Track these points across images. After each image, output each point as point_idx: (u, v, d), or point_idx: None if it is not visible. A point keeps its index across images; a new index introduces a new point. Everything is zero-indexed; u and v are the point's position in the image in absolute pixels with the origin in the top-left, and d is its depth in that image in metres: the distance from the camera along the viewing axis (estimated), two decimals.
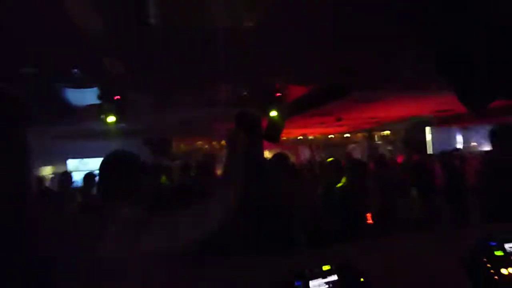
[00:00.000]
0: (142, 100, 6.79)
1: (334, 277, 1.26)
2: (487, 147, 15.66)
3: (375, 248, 1.51)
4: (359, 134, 18.20)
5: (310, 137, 17.09)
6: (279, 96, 6.66)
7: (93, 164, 10.31)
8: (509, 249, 1.51)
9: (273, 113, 7.00)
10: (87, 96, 6.02)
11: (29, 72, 4.12)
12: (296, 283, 1.20)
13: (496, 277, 1.44)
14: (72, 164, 11.32)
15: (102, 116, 6.01)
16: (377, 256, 1.41)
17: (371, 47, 4.05)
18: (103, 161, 1.64)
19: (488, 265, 1.46)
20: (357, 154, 16.49)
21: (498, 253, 1.49)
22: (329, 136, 17.76)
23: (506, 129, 3.20)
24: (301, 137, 16.41)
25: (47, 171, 12.39)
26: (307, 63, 4.99)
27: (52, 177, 10.17)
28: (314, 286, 1.23)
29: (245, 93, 6.61)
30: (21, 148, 1.43)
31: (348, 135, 17.92)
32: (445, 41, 2.18)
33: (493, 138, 3.25)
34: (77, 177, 10.56)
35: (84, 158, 11.13)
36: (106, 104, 5.91)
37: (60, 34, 3.13)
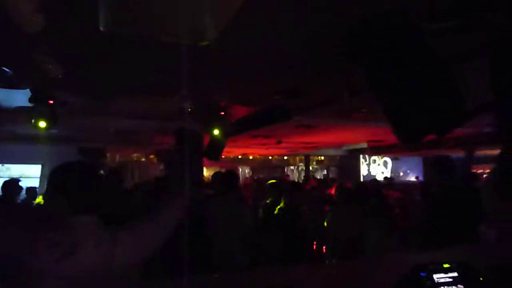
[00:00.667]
0: (77, 106, 6.46)
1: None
2: (413, 177, 16.87)
3: (311, 273, 1.53)
4: (297, 158, 18.74)
5: (250, 157, 17.26)
6: (223, 114, 6.68)
7: (16, 170, 9.54)
8: (437, 279, 1.60)
9: (216, 131, 6.99)
10: (18, 98, 5.62)
11: None
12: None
13: None
14: None
15: (33, 120, 5.61)
16: (313, 281, 1.43)
17: (314, 71, 4.21)
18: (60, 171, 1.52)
19: None
20: (294, 177, 16.92)
21: (427, 283, 1.57)
22: (269, 157, 18.08)
23: (442, 161, 3.44)
24: (240, 157, 16.52)
25: None
26: (253, 85, 5.07)
27: None
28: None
29: (190, 108, 6.53)
30: None
31: (286, 157, 18.37)
32: (385, 73, 2.32)
33: (432, 169, 3.48)
34: None
35: (6, 164, 10.24)
36: (38, 108, 5.53)
37: None
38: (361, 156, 16.23)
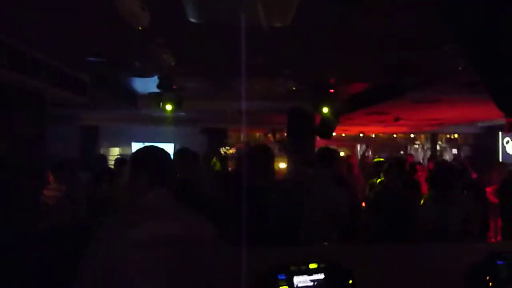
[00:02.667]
0: (199, 91, 7.07)
1: (320, 276, 1.30)
2: None
3: (373, 254, 1.51)
4: (422, 136, 17.36)
5: (373, 135, 16.61)
6: (332, 92, 6.59)
7: None
8: None
9: (325, 109, 6.95)
10: (148, 85, 6.41)
11: (95, 61, 4.49)
12: (279, 276, 1.24)
13: None
14: (136, 147, 12.10)
15: (161, 104, 6.36)
16: (375, 263, 1.42)
17: (424, 44, 3.90)
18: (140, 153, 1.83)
19: (491, 284, 1.41)
20: (418, 157, 15.77)
21: (503, 272, 1.42)
22: (393, 136, 17.16)
23: None
24: (361, 135, 16.01)
25: (114, 152, 13.35)
26: (362, 60, 4.90)
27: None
28: (299, 282, 1.27)
29: (299, 87, 6.62)
30: None
31: (412, 135, 17.17)
32: (485, 45, 2.08)
33: None
34: None
35: (146, 142, 11.82)
36: (165, 93, 6.24)
37: (121, 29, 3.40)
38: (500, 133, 14.27)
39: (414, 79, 5.49)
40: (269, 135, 14.03)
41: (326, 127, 7.98)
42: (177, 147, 11.58)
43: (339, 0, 3.02)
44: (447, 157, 15.42)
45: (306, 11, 3.07)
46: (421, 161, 14.53)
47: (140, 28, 2.59)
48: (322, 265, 1.31)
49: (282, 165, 12.43)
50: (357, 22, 3.43)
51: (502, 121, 11.51)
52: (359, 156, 15.02)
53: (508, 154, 14.42)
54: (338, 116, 7.87)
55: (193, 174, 3.68)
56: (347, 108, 7.46)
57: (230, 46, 4.14)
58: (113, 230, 1.57)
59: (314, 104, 7.14)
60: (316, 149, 3.87)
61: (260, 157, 2.86)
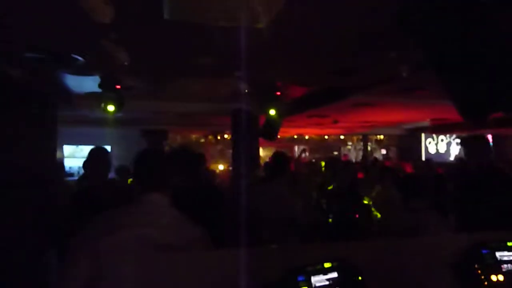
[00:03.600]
0: (141, 91, 6.81)
1: (334, 274, 1.32)
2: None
3: (366, 250, 1.57)
4: (354, 137, 18.36)
5: (306, 137, 17.19)
6: (279, 95, 6.71)
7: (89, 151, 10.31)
8: (500, 257, 1.58)
9: (272, 112, 7.06)
10: (87, 84, 6.04)
11: (33, 57, 4.13)
12: (299, 278, 1.25)
13: (486, 282, 1.51)
14: (68, 150, 11.28)
15: (102, 105, 6.03)
16: (370, 257, 1.47)
17: (371, 48, 4.11)
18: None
19: (479, 272, 1.53)
20: (352, 157, 16.63)
21: (489, 260, 1.56)
22: (325, 137, 17.89)
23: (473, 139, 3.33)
24: (296, 137, 16.51)
25: None
26: (309, 64, 5.04)
27: None
28: (316, 282, 1.28)
29: (246, 89, 6.65)
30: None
31: (342, 137, 18.06)
32: (447, 49, 2.24)
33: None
34: (72, 164, 10.54)
35: (80, 145, 11.11)
36: (106, 93, 5.93)
37: (66, 21, 3.16)
38: (423, 135, 15.54)
39: (357, 83, 5.79)
40: (210, 136, 13.94)
41: (270, 129, 8.11)
42: (115, 150, 11.08)
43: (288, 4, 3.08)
44: (378, 156, 16.44)
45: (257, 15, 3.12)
46: (354, 160, 15.32)
47: (102, 22, 2.44)
48: (335, 264, 1.33)
49: (221, 166, 12.42)
50: (304, 26, 3.53)
51: (425, 123, 12.53)
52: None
53: (430, 153, 15.77)
54: (282, 118, 8.05)
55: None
56: (292, 111, 7.66)
57: (181, 45, 4.08)
58: (90, 235, 1.56)
59: (259, 106, 7.22)
60: (273, 153, 3.93)
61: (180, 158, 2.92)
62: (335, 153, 18.09)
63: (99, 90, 5.86)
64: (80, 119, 9.36)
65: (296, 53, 4.45)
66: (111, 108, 6.12)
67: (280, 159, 3.70)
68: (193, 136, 15.91)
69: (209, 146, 14.72)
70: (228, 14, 2.03)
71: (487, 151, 3.32)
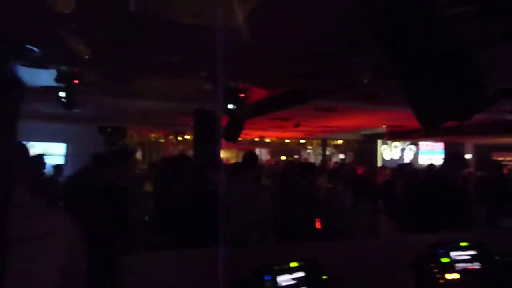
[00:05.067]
0: (100, 87, 6.59)
1: (301, 274, 1.33)
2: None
3: (329, 250, 1.60)
4: (314, 141, 18.71)
5: (267, 140, 17.32)
6: (242, 96, 6.71)
7: (41, 148, 9.82)
8: (454, 256, 1.67)
9: (234, 113, 7.05)
10: (43, 77, 5.76)
11: None
12: (265, 277, 1.25)
13: (441, 281, 1.59)
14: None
15: (60, 99, 5.80)
16: (330, 258, 1.50)
17: (335, 53, 4.21)
18: None
19: (435, 270, 1.60)
20: (311, 161, 16.92)
21: (445, 260, 1.64)
22: (286, 141, 18.10)
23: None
24: (257, 139, 16.60)
25: None
26: (271, 67, 5.09)
27: None
28: (282, 281, 1.29)
29: (210, 89, 6.60)
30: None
31: (303, 141, 18.36)
32: (407, 58, 2.33)
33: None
34: None
35: (31, 142, 10.55)
36: (64, 87, 5.70)
37: (23, 8, 3.00)
38: (379, 141, 16.11)
39: (320, 88, 5.91)
40: (171, 136, 13.70)
41: (233, 130, 8.11)
42: (71, 147, 10.63)
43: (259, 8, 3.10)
44: (335, 160, 16.84)
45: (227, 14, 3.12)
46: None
47: (65, 12, 2.34)
48: (301, 263, 1.34)
49: None
50: (272, 30, 3.58)
51: (382, 129, 13.00)
52: None
53: (385, 159, 16.38)
54: (244, 120, 8.06)
55: None
56: (254, 113, 7.69)
57: (146, 41, 3.99)
58: None
59: (222, 107, 7.18)
60: (244, 153, 4.02)
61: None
62: (296, 156, 18.35)
63: (55, 84, 5.61)
64: (33, 114, 8.91)
65: (261, 55, 4.48)
66: (68, 103, 5.90)
67: (251, 156, 3.84)
68: (153, 136, 15.57)
69: (169, 146, 14.46)
70: (197, 11, 2.01)
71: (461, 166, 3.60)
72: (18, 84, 0.99)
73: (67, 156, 10.61)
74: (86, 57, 3.46)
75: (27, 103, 7.56)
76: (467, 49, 2.36)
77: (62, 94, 5.80)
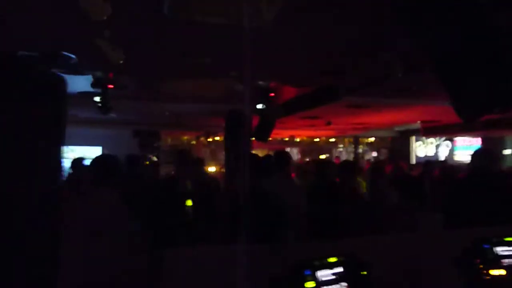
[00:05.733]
0: (134, 91, 6.77)
1: (340, 269, 1.32)
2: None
3: (372, 244, 1.58)
4: (346, 140, 18.44)
5: (297, 139, 17.22)
6: (272, 96, 6.72)
7: (80, 151, 10.19)
8: (500, 252, 1.60)
9: (265, 113, 7.07)
10: (80, 83, 5.98)
11: (26, 56, 4.08)
12: (305, 272, 1.25)
13: (486, 276, 1.53)
14: None
15: (96, 104, 6.00)
16: (374, 252, 1.48)
17: (362, 49, 4.14)
18: None
19: (481, 266, 1.55)
20: (343, 159, 16.69)
21: (490, 255, 1.58)
22: (315, 140, 17.95)
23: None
24: (287, 139, 16.53)
25: None
26: (301, 65, 5.06)
27: None
28: (322, 276, 1.28)
29: (240, 90, 6.64)
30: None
31: (333, 139, 18.13)
32: (444, 47, 2.26)
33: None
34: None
35: (70, 146, 10.97)
36: (100, 93, 5.89)
37: (60, 18, 3.13)
38: (413, 137, 15.68)
39: (350, 84, 5.82)
40: (202, 138, 13.88)
41: (263, 130, 8.12)
42: (106, 150, 10.97)
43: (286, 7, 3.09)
44: (367, 158, 16.55)
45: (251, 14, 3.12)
46: None
47: (97, 20, 2.42)
48: (340, 259, 1.34)
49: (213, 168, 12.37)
50: (298, 26, 3.55)
51: (416, 125, 12.65)
52: None
53: (418, 156, 15.93)
54: (275, 119, 8.06)
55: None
56: (285, 112, 7.67)
57: (176, 45, 4.06)
58: None
59: (253, 108, 7.21)
60: (273, 152, 4.01)
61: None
62: (327, 155, 18.16)
63: (91, 89, 5.82)
64: (71, 119, 9.27)
65: (288, 53, 4.46)
66: (103, 108, 6.09)
67: (282, 155, 3.82)
68: (184, 138, 15.82)
69: (201, 147, 14.65)
70: (224, 11, 2.03)
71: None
72: (62, 81, 1.04)
73: None
74: (121, 62, 3.56)
75: (71, 110, 7.88)
76: (506, 37, 2.26)
77: (97, 99, 5.99)
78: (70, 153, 10.52)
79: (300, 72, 5.49)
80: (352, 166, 4.58)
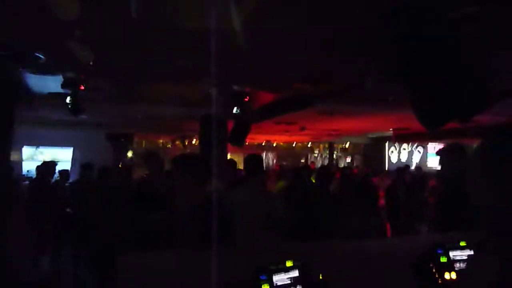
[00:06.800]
0: (106, 93, 6.65)
1: (296, 273, 1.34)
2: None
3: (329, 249, 1.60)
4: (321, 145, 18.66)
5: (274, 144, 17.31)
6: (247, 101, 6.73)
7: (50, 153, 9.94)
8: (453, 256, 1.66)
9: (239, 118, 7.07)
10: (50, 84, 5.84)
11: None
12: (261, 277, 1.25)
13: (440, 280, 1.58)
14: (27, 152, 10.78)
15: (66, 105, 5.86)
16: (331, 257, 1.50)
17: (336, 56, 4.21)
18: None
19: (434, 270, 1.59)
20: (318, 165, 16.89)
21: (443, 259, 1.63)
22: (293, 145, 18.07)
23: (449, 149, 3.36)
24: (264, 143, 16.59)
25: None
26: (277, 71, 5.10)
27: None
28: (277, 280, 1.29)
29: (215, 94, 6.62)
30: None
31: (309, 145, 18.32)
32: (410, 58, 2.33)
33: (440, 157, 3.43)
34: (31, 166, 10.17)
35: (40, 147, 10.67)
36: (70, 94, 5.76)
37: (29, 17, 3.05)
38: (387, 143, 16.01)
39: (325, 91, 5.90)
40: (178, 142, 13.76)
41: (238, 135, 8.13)
42: (77, 152, 10.73)
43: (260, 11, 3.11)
44: (342, 164, 16.79)
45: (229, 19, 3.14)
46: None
47: (67, 20, 2.38)
48: (296, 263, 1.35)
49: None
50: (274, 32, 3.58)
51: (389, 132, 12.93)
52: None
53: (392, 163, 16.27)
54: (250, 124, 8.08)
55: None
56: (260, 117, 7.70)
57: (150, 47, 4.02)
58: None
59: (228, 112, 7.21)
60: (244, 157, 3.88)
61: None
62: (302, 160, 18.31)
63: (62, 90, 5.68)
64: (41, 120, 9.02)
65: (265, 59, 4.50)
66: (73, 109, 5.96)
67: (254, 160, 3.69)
68: (160, 141, 15.65)
69: (176, 151, 14.51)
70: (196, 15, 2.04)
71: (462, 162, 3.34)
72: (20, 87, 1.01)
73: (72, 160, 10.71)
74: (91, 63, 3.50)
75: (36, 110, 7.67)
76: (468, 50, 2.36)
77: (68, 100, 5.86)
78: (39, 155, 10.25)
79: (274, 78, 5.53)
80: (328, 171, 4.69)
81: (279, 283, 1.29)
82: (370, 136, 15.08)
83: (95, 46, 3.57)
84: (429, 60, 2.21)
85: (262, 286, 1.24)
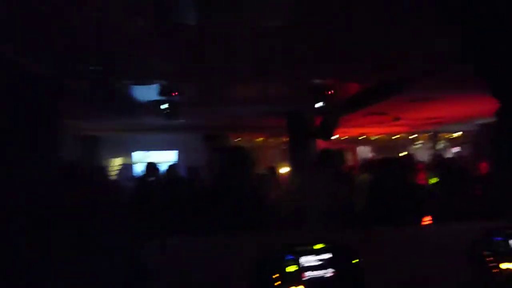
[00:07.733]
0: (197, 97, 7.12)
1: (327, 255, 1.35)
2: None
3: (372, 237, 1.57)
4: (425, 135, 17.35)
5: (372, 137, 16.61)
6: (331, 93, 6.63)
7: (155, 156, 10.98)
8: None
9: (326, 112, 7.01)
10: (149, 92, 6.47)
11: (96, 70, 4.54)
12: (287, 257, 1.30)
13: (496, 270, 1.44)
14: (137, 156, 12.12)
15: (163, 111, 6.45)
16: (380, 243, 1.48)
17: (414, 40, 3.97)
18: None
19: (490, 259, 1.46)
20: (420, 156, 15.81)
21: (501, 248, 1.48)
22: (392, 137, 17.15)
23: None
24: (360, 138, 16.03)
25: (116, 162, 13.41)
26: (357, 59, 4.96)
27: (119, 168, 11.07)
28: (306, 261, 1.32)
29: (299, 90, 6.68)
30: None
31: (412, 136, 17.17)
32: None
33: None
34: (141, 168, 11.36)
35: (148, 151, 11.89)
36: (165, 100, 6.32)
37: (118, 35, 3.47)
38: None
39: (413, 76, 5.55)
40: (271, 139, 14.07)
41: (325, 129, 8.06)
42: (181, 153, 11.71)
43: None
44: (451, 155, 15.46)
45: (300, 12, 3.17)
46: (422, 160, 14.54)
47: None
48: (328, 245, 1.37)
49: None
50: (347, 21, 3.51)
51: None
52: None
53: None
54: (337, 118, 7.95)
55: None
56: (346, 109, 7.54)
57: (227, 50, 4.25)
58: None
59: (312, 107, 7.20)
60: (319, 151, 4.02)
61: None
62: (404, 153, 17.23)
63: (159, 97, 6.26)
64: (148, 127, 10.02)
65: (339, 49, 4.43)
66: (171, 114, 6.54)
67: (326, 154, 3.81)
68: (259, 139, 16.08)
69: (268, 148, 14.82)
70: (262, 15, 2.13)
71: None
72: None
73: (178, 161, 11.73)
74: (171, 69, 3.82)
75: (140, 118, 8.56)
76: None
77: (164, 106, 6.44)
78: (146, 158, 11.42)
79: (355, 67, 5.38)
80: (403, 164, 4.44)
81: (306, 265, 1.32)
82: (479, 122, 13.61)
83: (174, 53, 3.88)
84: None
85: (288, 267, 1.28)
